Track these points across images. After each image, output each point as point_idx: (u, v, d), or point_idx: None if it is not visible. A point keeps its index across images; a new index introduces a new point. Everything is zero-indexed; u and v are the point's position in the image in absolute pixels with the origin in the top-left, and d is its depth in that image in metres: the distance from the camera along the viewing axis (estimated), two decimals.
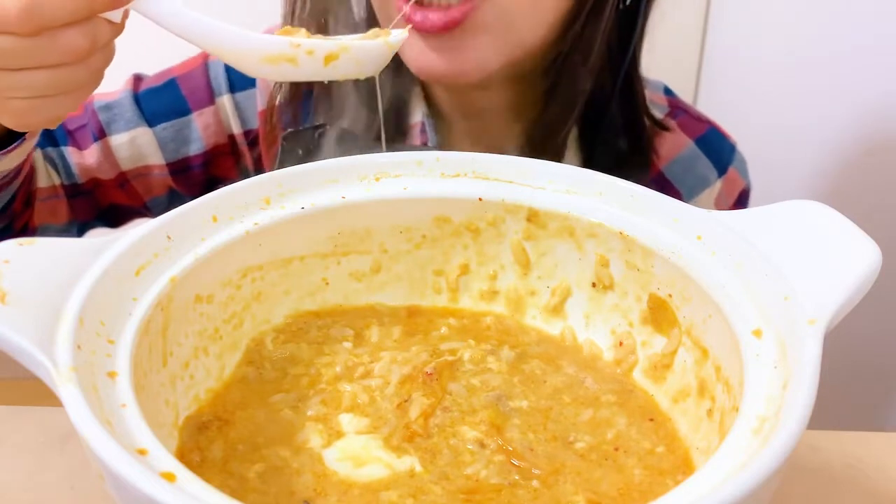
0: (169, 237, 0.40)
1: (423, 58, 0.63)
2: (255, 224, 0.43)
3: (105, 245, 0.37)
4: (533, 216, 0.47)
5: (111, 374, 0.33)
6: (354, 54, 0.48)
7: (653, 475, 0.38)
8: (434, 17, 0.60)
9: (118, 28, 0.48)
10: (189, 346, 0.41)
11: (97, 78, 0.50)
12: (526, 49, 0.65)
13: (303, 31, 0.49)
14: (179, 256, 0.40)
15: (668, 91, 0.82)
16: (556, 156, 0.70)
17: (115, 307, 0.36)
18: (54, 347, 0.32)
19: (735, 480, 0.27)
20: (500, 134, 0.74)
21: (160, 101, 0.77)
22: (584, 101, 0.69)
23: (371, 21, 0.70)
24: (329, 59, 0.47)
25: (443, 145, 0.75)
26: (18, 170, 0.62)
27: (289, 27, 0.50)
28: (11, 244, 0.35)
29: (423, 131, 0.73)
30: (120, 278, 0.37)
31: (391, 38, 0.50)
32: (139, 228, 0.39)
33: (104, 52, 0.49)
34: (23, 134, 0.57)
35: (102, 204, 0.79)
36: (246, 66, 0.48)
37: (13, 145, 0.57)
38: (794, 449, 0.28)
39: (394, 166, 0.47)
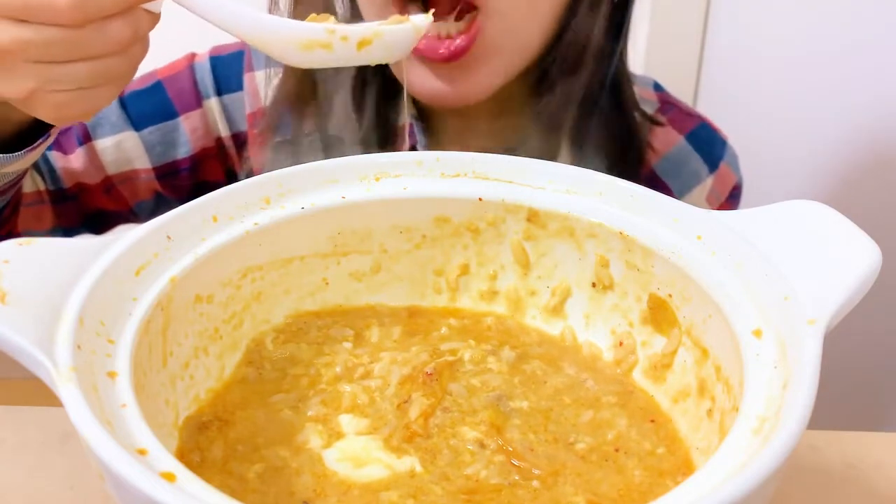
0: (169, 237, 0.40)
1: (427, 84, 0.63)
2: (255, 224, 0.43)
3: (105, 245, 0.37)
4: (533, 216, 0.47)
5: (111, 374, 0.33)
6: (386, 39, 0.48)
7: (653, 476, 0.38)
8: (439, 46, 0.60)
9: (156, 18, 0.49)
10: (189, 346, 0.41)
11: (134, 69, 0.50)
12: (527, 56, 0.65)
13: (332, 17, 0.49)
14: (179, 256, 0.40)
15: (657, 87, 0.82)
16: (551, 155, 0.70)
17: (115, 307, 0.36)
18: (54, 347, 0.32)
19: (735, 480, 0.27)
20: (490, 133, 0.74)
21: (146, 104, 0.76)
22: (576, 103, 0.69)
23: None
24: (362, 44, 0.47)
25: (431, 146, 0.74)
26: (25, 171, 0.62)
27: (315, 14, 0.50)
28: (11, 244, 0.35)
29: (411, 133, 0.73)
30: (120, 278, 0.37)
31: (417, 23, 0.50)
32: (139, 228, 0.39)
33: (142, 43, 0.49)
34: (45, 132, 0.57)
35: (88, 209, 0.78)
36: (282, 54, 0.48)
37: (39, 141, 0.57)
38: (794, 449, 0.28)
39: (394, 166, 0.47)
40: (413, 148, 0.73)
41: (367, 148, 0.69)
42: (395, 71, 0.66)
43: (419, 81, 0.63)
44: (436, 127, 0.75)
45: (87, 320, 0.34)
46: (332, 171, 0.46)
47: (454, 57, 0.60)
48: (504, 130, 0.73)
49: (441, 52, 0.60)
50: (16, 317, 0.32)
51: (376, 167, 0.47)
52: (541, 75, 0.69)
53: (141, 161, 0.76)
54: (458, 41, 0.60)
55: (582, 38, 0.66)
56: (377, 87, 0.69)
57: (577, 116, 0.70)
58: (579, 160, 0.71)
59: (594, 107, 0.70)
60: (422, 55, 0.61)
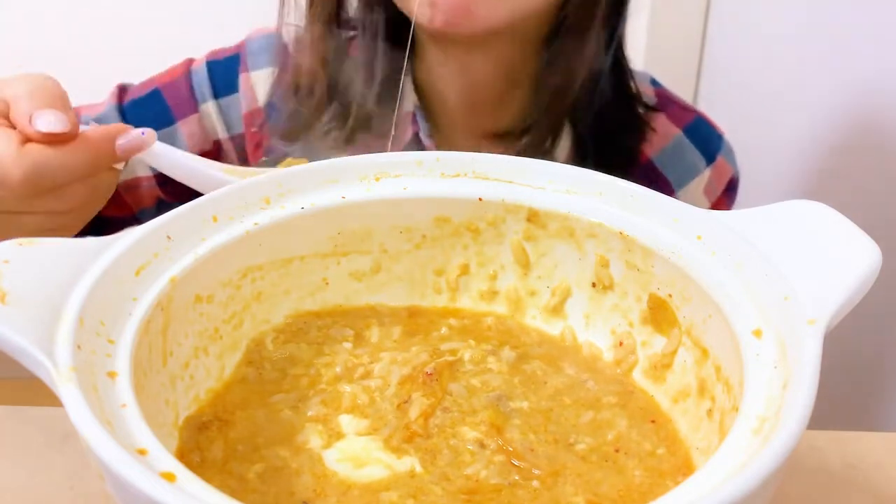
0: (169, 237, 0.40)
1: None
2: (255, 224, 0.43)
3: (105, 245, 0.37)
4: (533, 216, 0.47)
5: (111, 374, 0.33)
6: None
7: (653, 477, 0.38)
8: None
9: (116, 174, 0.50)
10: (189, 346, 0.41)
11: (90, 216, 0.52)
12: (531, 9, 0.64)
13: (305, 162, 0.50)
14: (179, 256, 0.40)
15: (654, 82, 0.83)
16: (552, 136, 0.70)
17: (115, 307, 0.36)
18: (54, 347, 0.31)
19: (735, 480, 0.27)
20: (494, 116, 0.74)
21: (145, 112, 0.76)
22: (581, 79, 0.69)
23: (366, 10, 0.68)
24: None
25: (434, 133, 0.75)
26: None
27: (291, 160, 0.50)
28: (11, 244, 0.35)
29: (414, 120, 0.73)
30: (120, 278, 0.37)
31: None
32: (139, 228, 0.39)
33: (103, 196, 0.50)
34: None
35: (95, 217, 0.78)
36: None
37: None
38: (794, 449, 0.28)
39: (394, 166, 0.47)
40: (416, 134, 0.73)
41: (368, 135, 0.69)
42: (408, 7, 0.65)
43: None
44: (438, 113, 0.75)
45: (87, 320, 0.34)
46: (332, 171, 0.46)
47: None
48: (505, 114, 0.73)
49: None
50: (16, 317, 0.32)
51: (376, 167, 0.47)
52: (549, 49, 0.69)
53: (142, 168, 0.76)
54: None
55: (588, 7, 0.66)
56: (382, 73, 0.69)
57: (578, 100, 0.70)
58: (579, 147, 0.71)
59: (595, 90, 0.70)
60: None
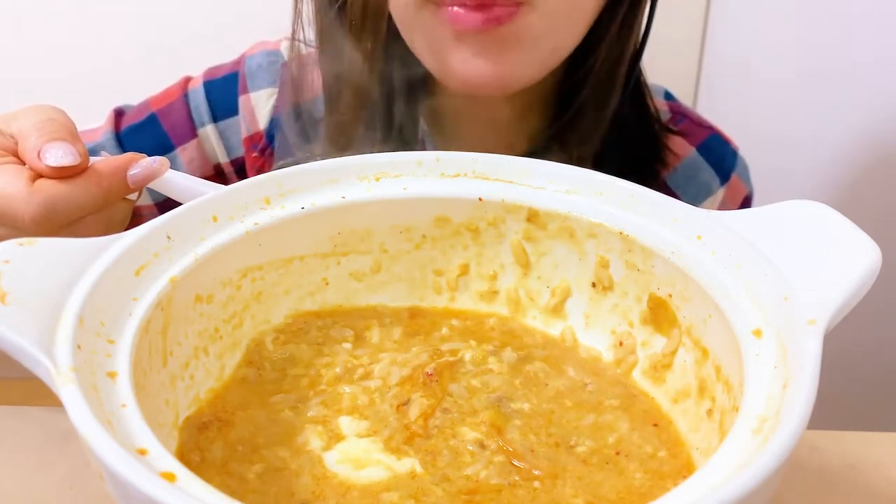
0: (169, 237, 0.40)
1: (470, 64, 0.60)
2: (255, 224, 0.43)
3: (105, 245, 0.37)
4: (533, 216, 0.47)
5: (111, 374, 0.33)
6: None
7: (654, 479, 0.38)
8: (474, 11, 0.56)
9: (131, 204, 0.49)
10: (189, 346, 0.41)
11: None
12: (557, 60, 0.63)
13: None
14: (179, 256, 0.40)
15: (668, 96, 0.81)
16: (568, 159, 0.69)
17: (115, 307, 0.36)
18: (54, 347, 0.31)
19: (735, 480, 0.27)
20: (508, 139, 0.73)
21: (142, 140, 0.75)
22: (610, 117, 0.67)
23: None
24: None
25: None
26: None
27: None
28: (11, 244, 0.35)
29: (423, 148, 0.72)
30: (120, 278, 0.37)
31: None
32: (139, 228, 0.39)
33: (120, 226, 0.49)
34: None
35: None
36: None
37: None
38: (795, 449, 0.28)
39: (394, 166, 0.47)
40: None
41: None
42: (430, 62, 0.63)
43: (460, 64, 0.60)
44: (448, 143, 0.73)
45: (87, 320, 0.34)
46: (332, 171, 0.46)
47: (487, 23, 0.57)
48: (521, 136, 0.72)
49: (477, 16, 0.56)
50: (16, 317, 0.32)
51: (376, 167, 0.47)
52: (565, 95, 0.68)
53: (142, 198, 0.74)
54: (495, 10, 0.56)
55: (614, 60, 0.65)
56: (397, 102, 0.68)
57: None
58: (597, 169, 0.71)
59: (616, 119, 0.69)
60: (457, 19, 0.57)
